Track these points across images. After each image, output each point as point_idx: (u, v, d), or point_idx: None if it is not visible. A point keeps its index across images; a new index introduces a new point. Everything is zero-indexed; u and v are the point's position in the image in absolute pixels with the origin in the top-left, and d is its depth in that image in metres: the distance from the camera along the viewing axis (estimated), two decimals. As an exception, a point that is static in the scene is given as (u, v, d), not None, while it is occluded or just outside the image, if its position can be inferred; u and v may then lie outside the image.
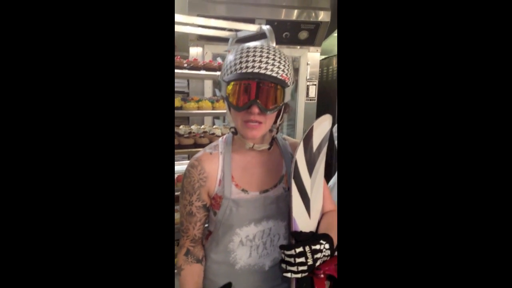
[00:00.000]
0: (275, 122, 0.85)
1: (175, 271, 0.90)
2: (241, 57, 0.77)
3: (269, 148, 0.89)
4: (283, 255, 0.78)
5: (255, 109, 0.77)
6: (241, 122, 0.81)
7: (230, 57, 0.81)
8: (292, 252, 0.75)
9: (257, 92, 0.76)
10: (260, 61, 0.76)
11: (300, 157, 0.80)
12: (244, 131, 0.81)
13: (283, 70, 0.77)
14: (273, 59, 0.77)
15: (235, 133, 0.87)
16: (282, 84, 0.77)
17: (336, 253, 0.80)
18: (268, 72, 0.75)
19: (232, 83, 0.78)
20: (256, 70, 0.75)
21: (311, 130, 0.79)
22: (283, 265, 0.77)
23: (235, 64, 0.78)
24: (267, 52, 0.77)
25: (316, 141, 0.80)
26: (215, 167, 0.89)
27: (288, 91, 0.79)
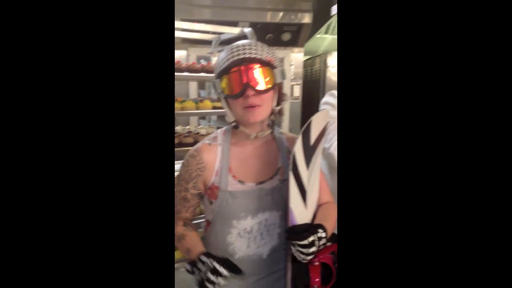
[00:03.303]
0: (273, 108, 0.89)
1: (175, 242, 0.92)
2: (226, 54, 0.85)
3: (271, 132, 0.94)
4: (296, 247, 0.79)
5: (250, 91, 0.82)
6: (240, 109, 0.85)
7: (219, 57, 0.88)
8: (306, 242, 0.78)
9: (248, 76, 0.82)
10: (244, 49, 0.83)
11: (298, 149, 0.83)
12: (246, 116, 0.85)
13: (267, 53, 0.85)
14: (256, 46, 0.85)
15: (236, 127, 0.90)
16: (268, 64, 0.84)
17: (329, 243, 0.83)
18: (253, 56, 0.82)
19: (224, 77, 0.84)
20: (241, 56, 0.82)
21: (309, 124, 0.83)
22: (301, 255, 0.79)
23: (222, 60, 0.85)
24: (249, 44, 0.85)
25: (313, 135, 0.84)
26: (213, 158, 0.92)
27: (277, 72, 0.85)
